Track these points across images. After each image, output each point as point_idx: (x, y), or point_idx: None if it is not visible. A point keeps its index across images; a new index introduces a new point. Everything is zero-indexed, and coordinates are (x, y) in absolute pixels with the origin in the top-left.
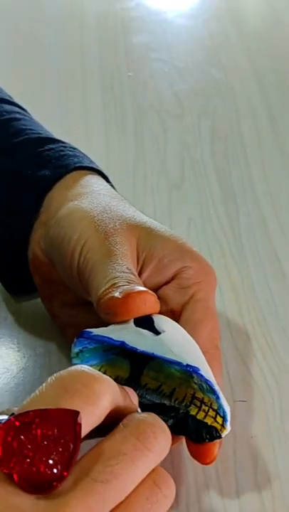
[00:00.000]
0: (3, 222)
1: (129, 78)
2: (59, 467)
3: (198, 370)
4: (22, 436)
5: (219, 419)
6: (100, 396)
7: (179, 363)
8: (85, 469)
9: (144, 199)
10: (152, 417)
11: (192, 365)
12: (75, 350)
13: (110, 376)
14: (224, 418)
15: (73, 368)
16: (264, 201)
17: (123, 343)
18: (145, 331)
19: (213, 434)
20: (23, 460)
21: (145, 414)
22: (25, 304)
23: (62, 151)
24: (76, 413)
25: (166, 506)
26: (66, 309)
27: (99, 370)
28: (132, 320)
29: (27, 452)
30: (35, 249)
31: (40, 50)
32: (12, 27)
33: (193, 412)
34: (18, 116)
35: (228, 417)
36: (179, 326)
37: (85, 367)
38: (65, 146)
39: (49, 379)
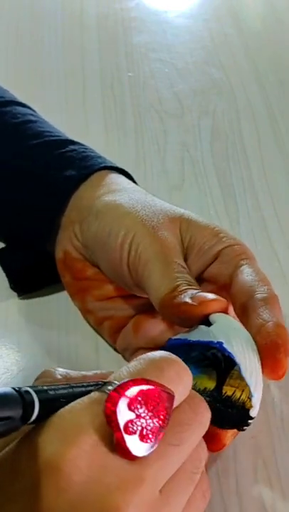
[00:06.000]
0: (24, 222)
1: (129, 78)
2: (154, 443)
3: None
4: (131, 406)
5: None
6: (187, 389)
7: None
8: None
9: None
10: (200, 396)
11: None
12: None
13: (200, 387)
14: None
15: (163, 353)
16: (264, 201)
17: (220, 343)
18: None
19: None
20: (128, 429)
21: (195, 392)
22: (26, 303)
23: (84, 152)
24: (173, 397)
25: (204, 463)
26: (101, 303)
27: None
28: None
29: (133, 422)
30: (67, 246)
31: (40, 50)
32: (12, 27)
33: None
34: (32, 118)
35: (252, 385)
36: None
37: (173, 355)
38: (86, 148)
39: (139, 359)
